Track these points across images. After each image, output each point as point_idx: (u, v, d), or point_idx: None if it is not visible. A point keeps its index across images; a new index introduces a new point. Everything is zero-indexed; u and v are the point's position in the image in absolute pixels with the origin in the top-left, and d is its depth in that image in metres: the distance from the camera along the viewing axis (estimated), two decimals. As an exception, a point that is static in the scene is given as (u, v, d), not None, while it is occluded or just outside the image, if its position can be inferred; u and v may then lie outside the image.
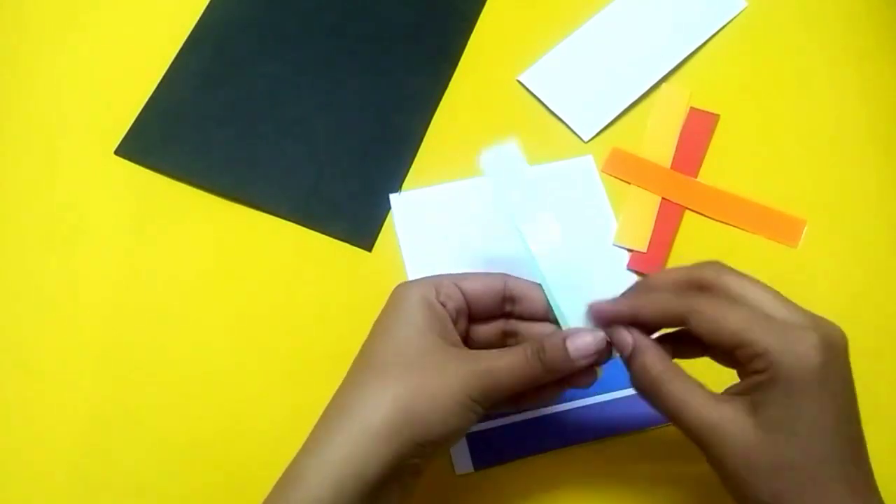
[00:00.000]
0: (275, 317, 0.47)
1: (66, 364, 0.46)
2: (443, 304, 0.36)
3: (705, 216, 0.49)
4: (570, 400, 0.44)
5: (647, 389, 0.34)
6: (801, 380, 0.30)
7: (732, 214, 0.49)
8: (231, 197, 0.50)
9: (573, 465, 0.43)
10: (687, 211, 0.50)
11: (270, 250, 0.49)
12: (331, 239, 0.49)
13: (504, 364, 0.34)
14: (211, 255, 0.49)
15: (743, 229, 0.49)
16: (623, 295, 0.36)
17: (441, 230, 0.49)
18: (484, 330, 0.39)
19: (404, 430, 0.32)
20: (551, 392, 0.37)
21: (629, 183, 0.50)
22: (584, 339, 0.34)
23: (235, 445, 0.43)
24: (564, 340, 0.34)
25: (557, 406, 0.44)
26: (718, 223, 0.49)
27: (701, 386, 0.33)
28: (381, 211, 0.50)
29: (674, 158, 0.51)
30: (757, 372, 0.31)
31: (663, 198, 0.50)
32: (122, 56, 0.55)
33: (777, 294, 0.33)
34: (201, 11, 0.56)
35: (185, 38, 0.55)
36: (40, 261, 0.49)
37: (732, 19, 0.55)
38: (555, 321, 0.37)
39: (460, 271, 0.39)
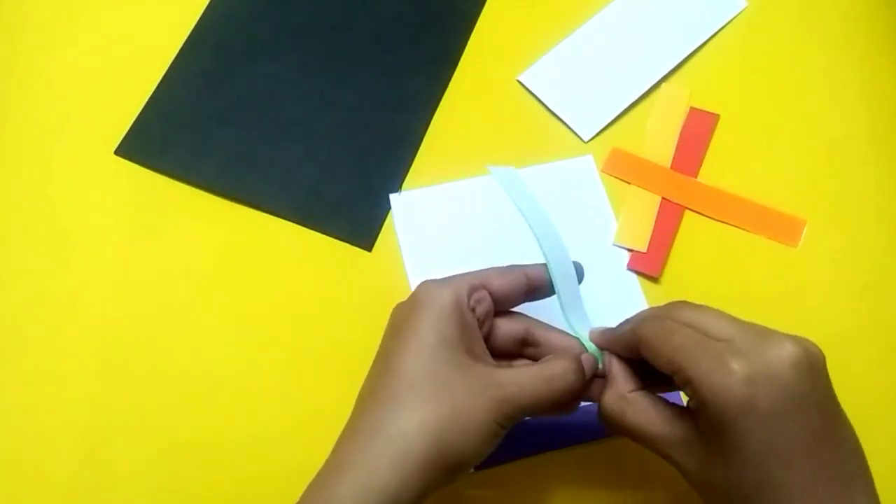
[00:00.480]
0: (275, 317, 0.47)
1: (66, 364, 0.46)
2: (472, 310, 0.36)
3: (705, 216, 0.49)
4: None
5: (608, 423, 0.35)
6: (721, 411, 0.30)
7: (732, 214, 0.49)
8: (231, 197, 0.50)
9: (573, 465, 0.43)
10: (687, 211, 0.50)
11: (270, 250, 0.49)
12: (331, 239, 0.49)
13: (529, 391, 0.34)
14: (211, 256, 0.49)
15: (743, 229, 0.49)
16: (611, 330, 0.37)
17: (441, 230, 0.49)
18: (506, 329, 0.38)
19: (439, 461, 0.32)
20: (570, 406, 0.37)
21: (629, 183, 0.50)
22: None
23: (236, 445, 0.43)
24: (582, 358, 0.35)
25: None
26: (718, 223, 0.49)
27: (657, 406, 0.34)
28: (381, 211, 0.50)
29: (674, 158, 0.51)
30: (691, 399, 0.32)
31: (663, 198, 0.50)
32: (123, 56, 0.55)
33: (730, 316, 0.33)
34: (201, 12, 0.56)
35: (184, 39, 0.55)
36: (40, 261, 0.49)
37: (733, 19, 0.55)
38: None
39: (476, 269, 0.39)
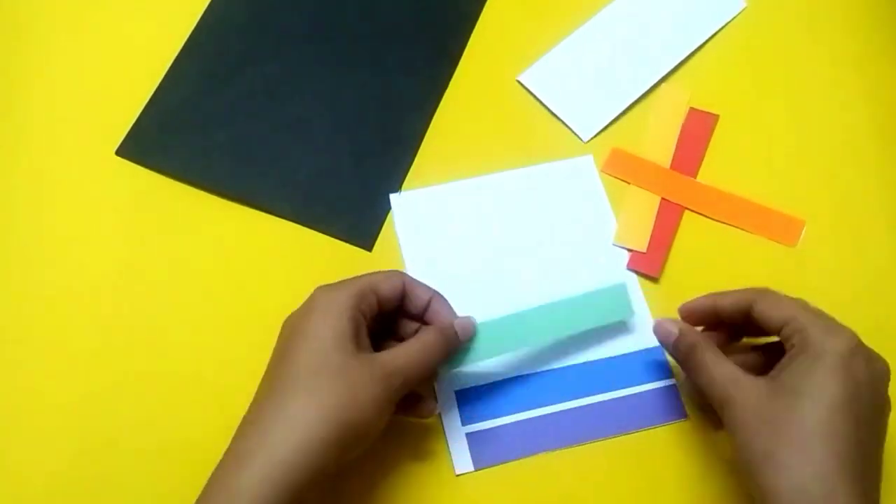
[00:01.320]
0: (275, 316, 0.47)
1: (67, 365, 0.46)
2: (362, 313, 0.39)
3: (705, 216, 0.50)
4: (570, 400, 0.44)
5: (686, 359, 0.41)
6: (824, 355, 0.36)
7: (731, 214, 0.49)
8: (231, 197, 0.50)
9: (573, 464, 0.43)
10: (686, 211, 0.50)
11: (270, 250, 0.49)
12: (331, 239, 0.49)
13: (412, 362, 0.39)
14: (211, 256, 0.49)
15: (742, 229, 0.49)
16: (700, 298, 0.43)
17: (441, 230, 0.49)
18: (412, 327, 0.43)
19: (341, 439, 0.36)
20: (428, 408, 0.42)
21: (629, 183, 0.51)
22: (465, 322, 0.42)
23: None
24: (453, 324, 0.41)
25: (558, 405, 0.44)
26: (718, 223, 0.49)
27: (731, 363, 0.39)
28: (381, 211, 0.50)
29: (673, 158, 0.51)
30: (792, 345, 0.37)
31: (663, 198, 0.50)
32: (123, 56, 0.55)
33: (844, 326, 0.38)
34: (201, 12, 0.56)
35: (185, 39, 0.55)
36: (41, 261, 0.49)
37: (732, 20, 0.55)
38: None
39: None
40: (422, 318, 0.43)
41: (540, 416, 0.44)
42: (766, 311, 0.39)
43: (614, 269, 0.48)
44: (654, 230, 0.49)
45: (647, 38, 0.55)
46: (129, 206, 0.50)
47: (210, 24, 0.56)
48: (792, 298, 0.40)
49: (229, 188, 0.50)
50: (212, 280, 0.48)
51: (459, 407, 0.44)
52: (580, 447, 0.43)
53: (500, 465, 0.43)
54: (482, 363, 0.44)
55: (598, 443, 0.43)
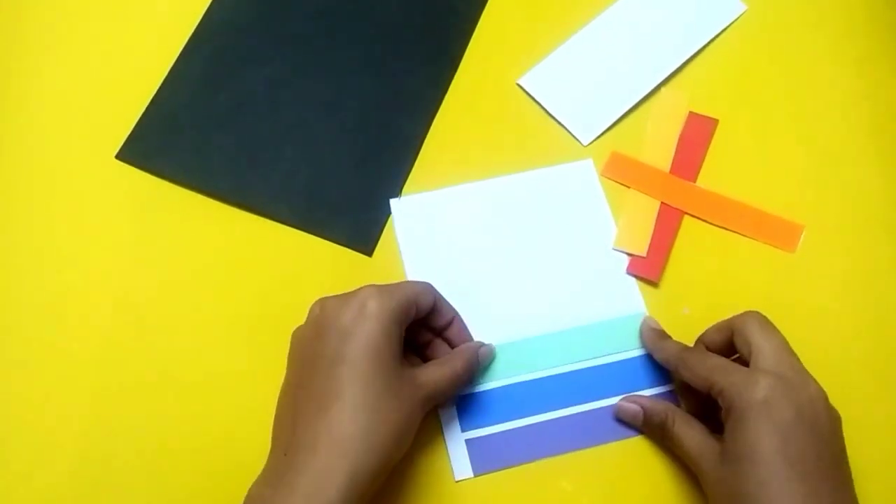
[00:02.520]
0: (275, 322, 0.47)
1: (67, 369, 0.46)
2: (404, 324, 0.40)
3: (704, 221, 0.50)
4: (570, 405, 0.44)
5: (659, 434, 0.43)
6: (745, 411, 0.36)
7: (731, 219, 0.49)
8: (232, 202, 0.50)
9: (573, 470, 0.43)
10: (686, 216, 0.50)
11: (271, 255, 0.49)
12: (331, 244, 0.49)
13: (443, 387, 0.41)
14: (211, 260, 0.49)
15: (741, 234, 0.49)
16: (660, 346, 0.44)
17: (442, 235, 0.49)
18: (426, 337, 0.44)
19: (382, 467, 0.36)
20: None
21: (628, 187, 0.51)
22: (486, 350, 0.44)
23: (235, 450, 0.43)
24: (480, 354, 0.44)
25: (557, 411, 0.44)
26: (717, 228, 0.49)
27: (700, 426, 0.40)
28: (381, 215, 0.50)
29: (673, 163, 0.51)
30: (720, 408, 0.38)
31: (663, 202, 0.50)
32: (123, 60, 0.55)
33: (781, 346, 0.39)
34: (200, 16, 0.56)
35: (184, 42, 0.55)
36: (41, 265, 0.49)
37: (732, 23, 0.55)
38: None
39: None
40: (439, 333, 0.44)
41: (540, 423, 0.44)
42: (690, 378, 0.40)
43: (613, 273, 0.48)
44: (654, 234, 0.49)
45: (646, 41, 0.55)
46: (129, 211, 0.50)
47: (209, 28, 0.56)
48: (712, 356, 0.40)
49: (229, 193, 0.50)
50: (212, 285, 0.48)
51: (459, 413, 0.44)
52: (581, 452, 0.43)
53: (500, 472, 0.43)
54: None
55: (599, 448, 0.43)
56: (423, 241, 0.49)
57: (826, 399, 0.37)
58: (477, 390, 0.45)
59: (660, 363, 0.44)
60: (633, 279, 0.48)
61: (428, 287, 0.43)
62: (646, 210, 0.50)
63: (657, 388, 0.45)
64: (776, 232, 0.49)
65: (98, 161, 0.52)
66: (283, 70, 0.54)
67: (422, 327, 0.43)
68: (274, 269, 0.49)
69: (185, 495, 0.43)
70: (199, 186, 0.51)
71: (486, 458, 0.43)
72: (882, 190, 0.50)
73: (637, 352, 0.46)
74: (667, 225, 0.49)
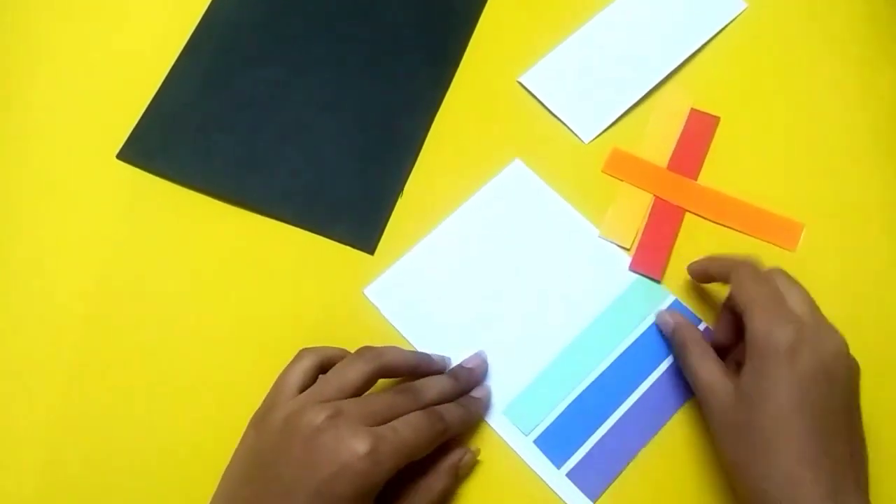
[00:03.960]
0: (278, 320, 0.47)
1: (69, 370, 0.46)
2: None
3: (704, 218, 0.50)
4: (631, 393, 0.45)
5: (678, 355, 0.43)
6: (768, 354, 0.37)
7: (731, 217, 0.50)
8: (233, 201, 0.50)
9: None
10: (687, 213, 0.50)
11: (273, 254, 0.49)
12: (333, 242, 0.49)
13: None
14: (213, 260, 0.49)
15: (742, 232, 0.49)
16: (699, 260, 0.46)
17: (430, 294, 0.48)
18: None
19: None
20: None
21: (622, 181, 0.51)
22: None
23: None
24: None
25: (622, 406, 0.45)
26: (718, 226, 0.50)
27: (715, 357, 0.41)
28: (383, 214, 0.50)
29: (671, 159, 0.51)
30: (747, 341, 0.38)
31: (661, 198, 0.50)
32: (124, 60, 0.55)
33: (807, 297, 0.40)
34: (201, 15, 0.56)
35: (185, 42, 0.55)
36: (42, 265, 0.49)
37: (732, 20, 0.55)
38: None
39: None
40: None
41: (617, 421, 0.44)
42: (733, 293, 0.40)
43: (597, 259, 0.48)
44: (655, 231, 0.49)
45: (647, 39, 0.55)
46: (130, 211, 0.50)
47: (210, 28, 0.56)
48: (760, 278, 0.40)
49: (231, 192, 0.50)
50: (214, 284, 0.48)
51: (545, 452, 0.43)
52: (663, 430, 0.44)
53: (612, 486, 0.43)
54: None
55: (675, 418, 0.44)
56: (414, 310, 0.47)
57: (847, 350, 0.38)
58: (549, 423, 0.44)
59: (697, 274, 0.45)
60: (617, 255, 0.48)
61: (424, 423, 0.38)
62: (637, 203, 0.50)
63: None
64: (776, 230, 0.49)
65: (99, 161, 0.52)
66: (284, 69, 0.54)
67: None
68: (276, 268, 0.49)
69: (184, 496, 0.43)
70: (200, 186, 0.51)
71: (593, 480, 0.43)
72: (883, 187, 0.50)
73: (663, 306, 0.47)
74: (667, 222, 0.50)
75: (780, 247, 0.49)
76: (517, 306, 0.47)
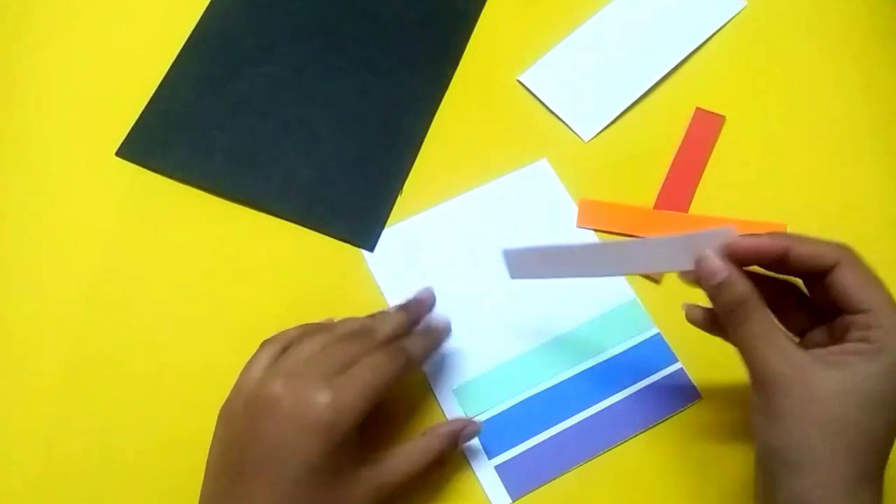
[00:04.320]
0: (277, 317, 0.47)
1: (69, 369, 0.46)
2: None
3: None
4: (587, 407, 0.44)
5: (728, 311, 0.34)
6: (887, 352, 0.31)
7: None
8: (232, 198, 0.50)
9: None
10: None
11: (272, 251, 0.49)
12: (333, 239, 0.49)
13: (410, 471, 0.38)
14: (212, 257, 0.49)
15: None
16: (763, 237, 0.35)
17: (420, 265, 0.48)
18: None
19: None
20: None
21: (608, 233, 0.49)
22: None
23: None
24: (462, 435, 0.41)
25: (576, 416, 0.44)
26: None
27: (783, 331, 0.34)
28: (383, 211, 0.50)
29: (660, 194, 0.50)
30: (863, 341, 0.32)
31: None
32: (123, 57, 0.55)
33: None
34: (201, 12, 0.56)
35: (185, 39, 0.55)
36: (41, 262, 0.49)
37: (732, 18, 0.55)
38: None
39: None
40: None
41: (562, 431, 0.43)
42: (849, 289, 0.33)
43: (607, 287, 0.47)
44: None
45: (647, 37, 0.55)
46: (129, 208, 0.50)
47: (210, 25, 0.56)
48: (876, 280, 0.34)
49: (230, 189, 0.50)
50: (213, 281, 0.48)
51: (481, 440, 0.43)
52: (609, 452, 0.43)
53: (537, 490, 0.42)
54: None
55: (625, 443, 0.43)
56: (401, 274, 0.48)
57: None
58: (494, 414, 0.44)
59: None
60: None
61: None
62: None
63: (666, 370, 0.44)
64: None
65: (98, 158, 0.52)
66: (283, 67, 0.54)
67: None
68: (275, 266, 0.48)
69: (184, 496, 0.43)
70: (199, 183, 0.51)
71: (519, 480, 0.42)
72: (885, 187, 0.50)
73: (639, 338, 0.46)
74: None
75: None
76: (501, 298, 0.47)
